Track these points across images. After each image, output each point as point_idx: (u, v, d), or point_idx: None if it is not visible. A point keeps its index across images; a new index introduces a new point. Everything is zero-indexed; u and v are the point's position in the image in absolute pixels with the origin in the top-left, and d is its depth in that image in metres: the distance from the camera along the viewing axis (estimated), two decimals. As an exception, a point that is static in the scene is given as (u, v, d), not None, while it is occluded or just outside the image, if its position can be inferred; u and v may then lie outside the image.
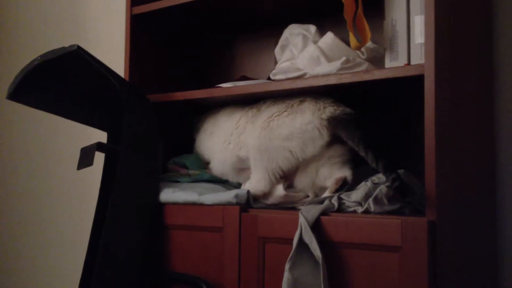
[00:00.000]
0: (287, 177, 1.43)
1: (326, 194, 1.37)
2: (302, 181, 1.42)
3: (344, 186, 1.37)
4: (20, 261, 2.60)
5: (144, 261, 1.52)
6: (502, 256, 1.47)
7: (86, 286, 1.51)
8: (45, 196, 2.53)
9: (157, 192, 1.56)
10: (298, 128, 1.38)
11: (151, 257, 1.55)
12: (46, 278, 2.49)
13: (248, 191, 1.43)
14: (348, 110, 1.39)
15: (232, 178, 1.59)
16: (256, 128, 1.46)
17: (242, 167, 1.53)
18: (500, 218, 1.48)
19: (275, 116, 1.43)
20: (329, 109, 1.38)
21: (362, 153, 1.28)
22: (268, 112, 1.47)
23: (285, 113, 1.42)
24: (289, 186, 1.42)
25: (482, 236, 1.41)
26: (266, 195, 1.43)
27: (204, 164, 1.69)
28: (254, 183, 1.44)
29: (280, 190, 1.39)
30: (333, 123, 1.35)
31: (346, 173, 1.37)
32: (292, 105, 1.42)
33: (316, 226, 1.26)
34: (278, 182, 1.42)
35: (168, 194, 1.54)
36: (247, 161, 1.49)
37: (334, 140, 1.37)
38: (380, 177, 1.31)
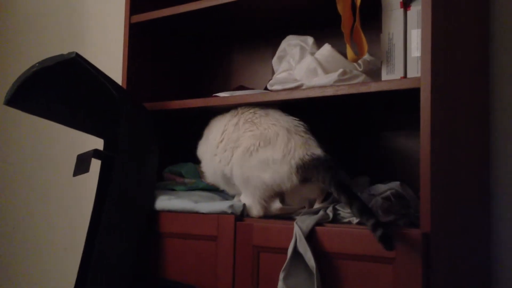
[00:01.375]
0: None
1: (316, 205, 1.38)
2: (291, 199, 1.42)
3: (330, 196, 1.38)
4: (14, 267, 2.59)
5: (139, 268, 1.52)
6: (496, 267, 1.48)
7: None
8: (40, 202, 2.53)
9: (152, 200, 1.56)
10: (271, 161, 1.39)
11: (146, 265, 1.54)
12: (40, 284, 2.48)
13: (245, 204, 1.44)
14: (317, 153, 1.38)
15: (223, 187, 1.58)
16: (237, 155, 1.46)
17: (232, 182, 1.51)
18: (494, 229, 1.49)
19: (252, 146, 1.43)
20: (298, 154, 1.37)
21: (335, 195, 1.28)
22: (246, 136, 1.47)
23: (261, 143, 1.42)
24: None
25: (476, 248, 1.42)
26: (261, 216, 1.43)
27: (200, 173, 1.69)
28: (248, 207, 1.44)
29: (276, 204, 1.39)
30: (301, 168, 1.36)
31: None
32: (266, 137, 1.43)
33: (311, 236, 1.26)
34: (272, 200, 1.42)
35: (164, 202, 1.54)
36: (234, 180, 1.49)
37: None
38: (375, 188, 1.32)
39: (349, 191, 1.25)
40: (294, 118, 1.47)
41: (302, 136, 1.42)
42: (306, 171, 1.35)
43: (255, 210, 1.41)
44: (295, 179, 1.36)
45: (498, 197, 1.49)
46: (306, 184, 1.37)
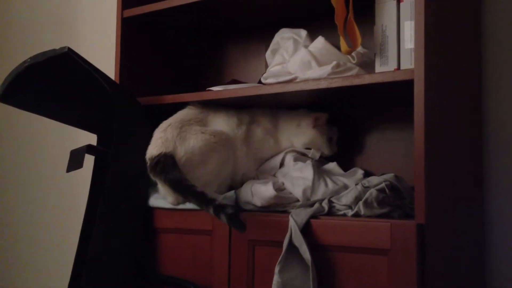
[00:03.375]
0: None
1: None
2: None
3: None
4: (7, 264, 2.58)
5: (134, 264, 1.52)
6: (490, 258, 1.48)
7: (76, 286, 1.50)
8: (34, 199, 2.52)
9: (147, 195, 1.56)
10: None
11: (141, 260, 1.54)
12: (36, 278, 2.47)
13: (235, 191, 1.44)
14: (155, 153, 1.48)
15: None
16: None
17: None
18: (488, 220, 1.50)
19: None
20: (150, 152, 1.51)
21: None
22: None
23: None
24: (279, 188, 1.42)
25: (470, 239, 1.43)
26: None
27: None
28: None
29: (270, 191, 1.39)
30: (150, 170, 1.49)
31: None
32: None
33: (306, 229, 1.26)
34: (266, 183, 1.43)
35: (158, 200, 1.54)
36: None
37: None
38: (370, 180, 1.33)
39: (182, 186, 1.39)
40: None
41: (180, 130, 1.50)
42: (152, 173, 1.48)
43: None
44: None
45: (492, 189, 1.50)
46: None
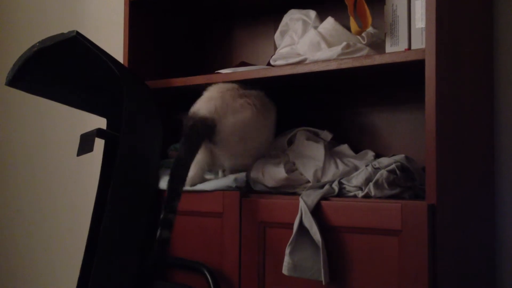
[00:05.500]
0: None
1: None
2: None
3: None
4: (19, 248, 2.61)
5: (145, 247, 1.52)
6: (501, 238, 1.48)
7: (87, 272, 1.51)
8: (44, 184, 2.53)
9: (157, 179, 1.56)
10: None
11: (152, 243, 1.55)
12: (46, 266, 2.50)
13: (247, 174, 1.44)
14: None
15: None
16: None
17: None
18: (499, 200, 1.49)
19: None
20: None
21: None
22: None
23: None
24: (290, 169, 1.42)
25: (482, 219, 1.42)
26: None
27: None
28: None
29: (282, 173, 1.39)
30: None
31: None
32: None
33: (316, 211, 1.26)
34: (278, 164, 1.43)
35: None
36: None
37: None
38: (380, 162, 1.32)
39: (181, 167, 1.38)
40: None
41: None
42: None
43: None
44: None
45: (503, 169, 1.49)
46: None
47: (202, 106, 1.44)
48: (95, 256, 1.42)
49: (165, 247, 1.34)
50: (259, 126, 1.48)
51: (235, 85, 1.49)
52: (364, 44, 1.39)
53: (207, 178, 1.51)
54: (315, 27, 1.50)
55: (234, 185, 1.42)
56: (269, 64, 1.56)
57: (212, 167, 1.51)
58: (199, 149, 1.42)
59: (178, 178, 1.38)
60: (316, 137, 1.52)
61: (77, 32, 1.41)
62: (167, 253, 1.36)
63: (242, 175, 1.43)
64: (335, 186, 1.32)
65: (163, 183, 1.55)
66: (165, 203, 1.34)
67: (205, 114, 1.42)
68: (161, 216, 1.33)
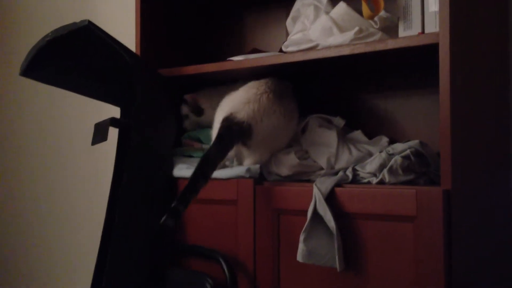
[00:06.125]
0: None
1: None
2: None
3: None
4: (35, 239, 2.64)
5: (160, 234, 1.53)
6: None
7: (103, 260, 1.53)
8: (59, 173, 2.55)
9: (171, 167, 1.57)
10: None
11: (166, 231, 1.56)
12: (64, 253, 2.53)
13: (261, 166, 1.44)
14: None
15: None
16: None
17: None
18: (515, 187, 1.47)
19: None
20: None
21: None
22: None
23: None
24: (302, 156, 1.42)
25: (497, 204, 1.41)
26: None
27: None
28: None
29: (293, 159, 1.39)
30: None
31: None
32: None
33: (331, 198, 1.26)
34: (288, 152, 1.43)
35: (183, 170, 1.54)
36: None
37: None
38: (394, 147, 1.31)
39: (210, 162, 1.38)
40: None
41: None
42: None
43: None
44: None
45: (520, 153, 1.47)
46: None
47: (239, 108, 1.42)
48: (110, 244, 1.43)
49: (165, 235, 1.33)
50: (286, 129, 1.48)
51: (268, 82, 1.49)
52: (377, 29, 1.37)
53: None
54: (327, 12, 1.48)
55: (247, 175, 1.41)
56: (281, 50, 1.55)
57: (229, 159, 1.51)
58: (230, 151, 1.41)
59: (202, 175, 1.36)
60: (329, 124, 1.52)
61: (89, 21, 1.41)
62: (167, 241, 1.34)
63: (256, 167, 1.43)
64: (349, 172, 1.31)
65: (177, 171, 1.55)
66: (181, 194, 1.33)
67: (242, 118, 1.41)
68: (172, 204, 1.31)
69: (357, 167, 1.32)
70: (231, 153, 1.46)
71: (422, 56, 1.31)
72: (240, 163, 1.49)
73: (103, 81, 1.64)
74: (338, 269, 1.22)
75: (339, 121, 1.52)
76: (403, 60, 1.43)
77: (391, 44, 1.24)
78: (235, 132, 1.40)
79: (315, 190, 1.26)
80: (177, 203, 1.32)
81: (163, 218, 1.30)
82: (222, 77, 1.67)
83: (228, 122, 1.41)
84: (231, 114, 1.42)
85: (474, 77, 1.27)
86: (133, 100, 1.48)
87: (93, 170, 2.42)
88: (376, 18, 1.38)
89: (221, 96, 1.54)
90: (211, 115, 1.52)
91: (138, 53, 1.71)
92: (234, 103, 1.45)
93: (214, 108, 1.54)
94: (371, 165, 1.30)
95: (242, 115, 1.41)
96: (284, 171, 1.41)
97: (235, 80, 1.62)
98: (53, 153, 2.58)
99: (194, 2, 1.91)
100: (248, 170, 1.42)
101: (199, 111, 1.69)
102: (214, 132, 1.45)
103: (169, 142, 1.61)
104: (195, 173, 1.35)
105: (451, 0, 1.15)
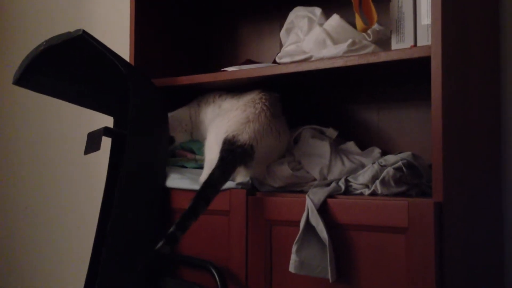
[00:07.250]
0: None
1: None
2: None
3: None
4: (26, 245, 2.62)
5: (152, 244, 1.53)
6: (509, 235, 1.47)
7: (95, 268, 1.52)
8: (52, 182, 2.54)
9: (164, 177, 1.57)
10: None
11: (159, 241, 1.55)
12: (53, 263, 2.51)
13: (252, 178, 1.44)
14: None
15: None
16: None
17: None
18: (506, 199, 1.48)
19: None
20: None
21: None
22: None
23: None
24: (295, 167, 1.42)
25: (489, 216, 1.42)
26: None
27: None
28: None
29: (286, 170, 1.39)
30: None
31: None
32: None
33: (323, 209, 1.26)
34: (281, 163, 1.43)
35: (175, 181, 1.54)
36: None
37: None
38: (387, 159, 1.32)
39: (211, 188, 1.36)
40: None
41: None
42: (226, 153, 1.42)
43: None
44: None
45: (510, 165, 1.48)
46: None
47: (240, 130, 1.41)
48: (102, 252, 1.42)
49: (159, 260, 1.31)
50: (281, 145, 1.48)
51: (262, 98, 1.49)
52: (370, 41, 1.38)
53: None
54: (321, 24, 1.49)
55: (239, 187, 1.41)
56: (274, 61, 1.56)
57: None
58: (232, 174, 1.40)
59: (204, 199, 1.34)
60: (321, 135, 1.52)
61: (84, 31, 1.42)
62: (159, 266, 1.35)
63: (246, 179, 1.43)
64: (342, 183, 1.32)
65: (170, 181, 1.55)
66: (180, 219, 1.31)
67: (245, 141, 1.40)
68: (170, 230, 1.29)
69: (349, 178, 1.33)
70: None
71: (415, 68, 1.32)
72: (232, 179, 1.49)
73: (97, 91, 1.64)
74: (330, 280, 1.22)
75: (332, 132, 1.53)
76: (396, 72, 1.45)
77: (383, 56, 1.25)
78: (238, 154, 1.39)
79: (308, 201, 1.27)
80: (175, 229, 1.30)
81: (159, 245, 1.29)
82: (216, 87, 1.67)
83: (231, 145, 1.40)
84: (233, 136, 1.40)
85: (466, 88, 1.28)
86: (126, 109, 1.48)
87: (86, 179, 2.41)
88: (369, 31, 1.39)
89: (189, 118, 1.63)
90: (184, 136, 1.58)
91: (132, 62, 1.71)
92: (232, 122, 1.44)
93: (186, 130, 1.57)
94: (364, 176, 1.30)
95: (244, 137, 1.40)
96: (277, 182, 1.41)
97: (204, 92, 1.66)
98: (46, 160, 2.57)
99: (189, 13, 1.91)
100: (240, 183, 1.42)
101: (170, 141, 1.68)
102: (211, 151, 1.44)
103: (162, 152, 1.61)
104: (196, 197, 1.33)
105: (443, 13, 1.16)
